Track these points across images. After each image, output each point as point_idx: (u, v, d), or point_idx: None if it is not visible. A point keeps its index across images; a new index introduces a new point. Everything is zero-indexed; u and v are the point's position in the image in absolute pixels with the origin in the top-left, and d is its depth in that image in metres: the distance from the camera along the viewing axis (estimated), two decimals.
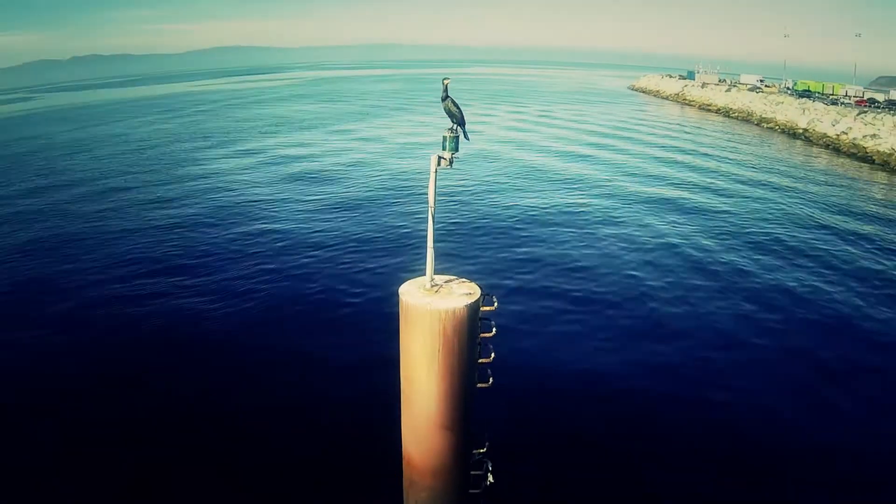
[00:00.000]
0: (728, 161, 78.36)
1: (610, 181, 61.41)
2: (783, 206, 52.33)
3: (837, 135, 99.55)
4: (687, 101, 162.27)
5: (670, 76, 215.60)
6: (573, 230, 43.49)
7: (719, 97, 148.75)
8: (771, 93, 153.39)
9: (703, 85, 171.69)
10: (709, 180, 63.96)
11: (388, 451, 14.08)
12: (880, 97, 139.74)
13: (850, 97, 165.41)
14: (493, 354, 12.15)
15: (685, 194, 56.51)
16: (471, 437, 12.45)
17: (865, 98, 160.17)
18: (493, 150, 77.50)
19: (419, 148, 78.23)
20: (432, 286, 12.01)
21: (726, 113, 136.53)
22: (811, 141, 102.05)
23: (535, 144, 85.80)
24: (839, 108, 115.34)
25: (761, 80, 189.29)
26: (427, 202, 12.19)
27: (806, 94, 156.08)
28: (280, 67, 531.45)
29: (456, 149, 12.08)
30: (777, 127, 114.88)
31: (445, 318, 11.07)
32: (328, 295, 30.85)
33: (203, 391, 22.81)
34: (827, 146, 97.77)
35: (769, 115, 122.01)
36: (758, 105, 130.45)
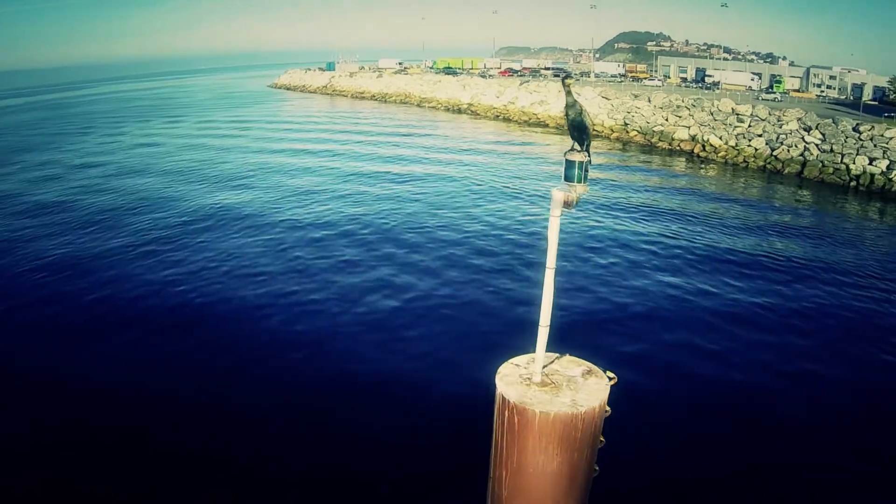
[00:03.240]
0: (397, 144, 74.94)
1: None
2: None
3: (505, 105, 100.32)
4: (337, 92, 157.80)
5: (310, 69, 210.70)
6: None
7: (372, 84, 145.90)
8: (415, 73, 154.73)
9: (352, 74, 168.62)
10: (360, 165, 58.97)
11: None
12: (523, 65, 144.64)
13: (487, 68, 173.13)
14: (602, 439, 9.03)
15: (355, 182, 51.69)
16: None
17: (505, 69, 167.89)
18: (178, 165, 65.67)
19: None
20: (544, 376, 8.98)
21: (382, 98, 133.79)
22: (478, 114, 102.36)
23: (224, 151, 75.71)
24: (501, 80, 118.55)
25: (400, 63, 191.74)
26: (545, 256, 8.58)
27: (450, 71, 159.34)
28: None
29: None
30: (440, 105, 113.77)
31: (568, 425, 8.36)
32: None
33: None
34: (496, 117, 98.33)
35: (429, 95, 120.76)
36: (415, 87, 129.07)
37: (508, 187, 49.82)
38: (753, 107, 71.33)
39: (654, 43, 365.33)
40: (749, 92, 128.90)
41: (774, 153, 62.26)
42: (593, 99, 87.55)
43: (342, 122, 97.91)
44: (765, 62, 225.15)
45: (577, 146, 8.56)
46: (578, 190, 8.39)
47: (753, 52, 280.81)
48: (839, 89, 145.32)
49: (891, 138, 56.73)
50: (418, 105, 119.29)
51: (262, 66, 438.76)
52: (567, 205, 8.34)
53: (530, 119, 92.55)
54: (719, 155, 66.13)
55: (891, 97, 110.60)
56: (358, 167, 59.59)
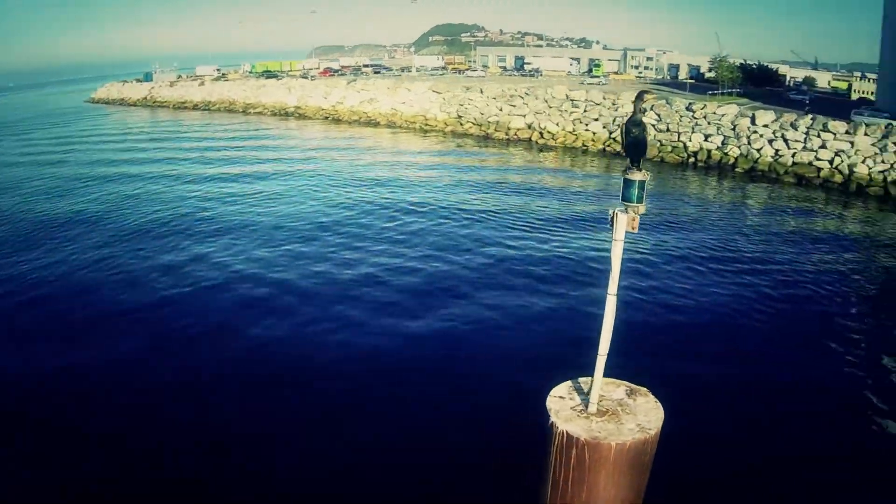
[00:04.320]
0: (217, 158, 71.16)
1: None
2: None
3: (333, 106, 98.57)
4: (159, 103, 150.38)
5: (127, 82, 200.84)
6: None
7: (195, 93, 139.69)
8: (236, 79, 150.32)
9: (172, 83, 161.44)
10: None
11: None
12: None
13: (307, 69, 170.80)
14: None
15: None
16: None
17: (325, 69, 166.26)
18: None
19: None
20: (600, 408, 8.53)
21: (207, 107, 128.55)
22: (306, 117, 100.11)
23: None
24: (327, 80, 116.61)
25: (218, 69, 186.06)
26: (608, 283, 8.10)
27: (270, 75, 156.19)
28: None
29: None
30: (266, 111, 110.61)
31: (640, 451, 8.05)
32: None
33: None
34: (326, 118, 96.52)
35: (254, 101, 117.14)
36: (239, 93, 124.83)
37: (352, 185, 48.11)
38: (588, 91, 72.33)
39: (468, 34, 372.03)
40: (569, 77, 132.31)
41: (612, 136, 63.25)
42: (424, 93, 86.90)
43: (166, 135, 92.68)
44: (579, 47, 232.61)
45: (634, 164, 8.12)
46: (640, 210, 7.99)
47: (567, 38, 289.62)
48: (656, 70, 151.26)
49: (723, 115, 58.96)
50: (244, 112, 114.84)
51: (71, 82, 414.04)
52: (632, 227, 8.00)
53: (361, 118, 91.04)
54: (558, 141, 66.69)
55: (706, 75, 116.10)
56: (195, 174, 56.22)
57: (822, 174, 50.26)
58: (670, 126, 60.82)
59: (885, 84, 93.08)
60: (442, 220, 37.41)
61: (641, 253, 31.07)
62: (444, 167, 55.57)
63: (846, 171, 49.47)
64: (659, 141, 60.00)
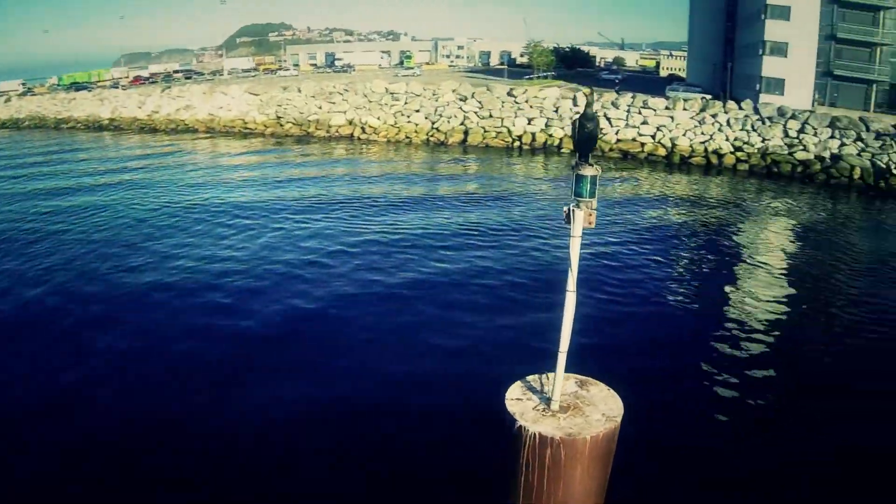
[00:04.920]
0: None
1: None
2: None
3: (149, 115, 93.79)
4: None
5: None
6: None
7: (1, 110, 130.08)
8: (44, 93, 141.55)
9: None
10: None
11: None
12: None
13: (116, 78, 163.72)
14: None
15: None
16: None
17: (135, 77, 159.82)
18: None
19: None
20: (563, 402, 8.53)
21: (14, 125, 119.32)
22: (122, 129, 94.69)
23: None
24: (141, 88, 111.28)
25: (24, 84, 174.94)
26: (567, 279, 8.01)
27: (80, 87, 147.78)
28: None
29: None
30: (79, 124, 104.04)
31: (610, 440, 8.22)
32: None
33: None
34: (142, 129, 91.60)
35: (66, 115, 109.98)
36: (49, 108, 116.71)
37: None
38: (407, 84, 71.16)
39: (276, 34, 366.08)
40: (382, 70, 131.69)
41: (435, 125, 62.45)
42: (242, 96, 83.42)
43: None
44: (388, 40, 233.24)
45: (584, 159, 8.08)
46: (593, 205, 7.95)
47: (376, 32, 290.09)
48: (467, 58, 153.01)
49: (545, 98, 59.25)
50: (55, 128, 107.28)
51: None
52: (590, 223, 7.97)
53: (178, 126, 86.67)
54: (380, 135, 65.02)
55: (517, 61, 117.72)
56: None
57: (646, 148, 51.38)
58: (493, 112, 60.52)
59: (695, 60, 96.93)
60: (269, 216, 36.30)
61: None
62: (266, 167, 54.08)
63: (669, 145, 50.79)
64: (483, 128, 59.60)
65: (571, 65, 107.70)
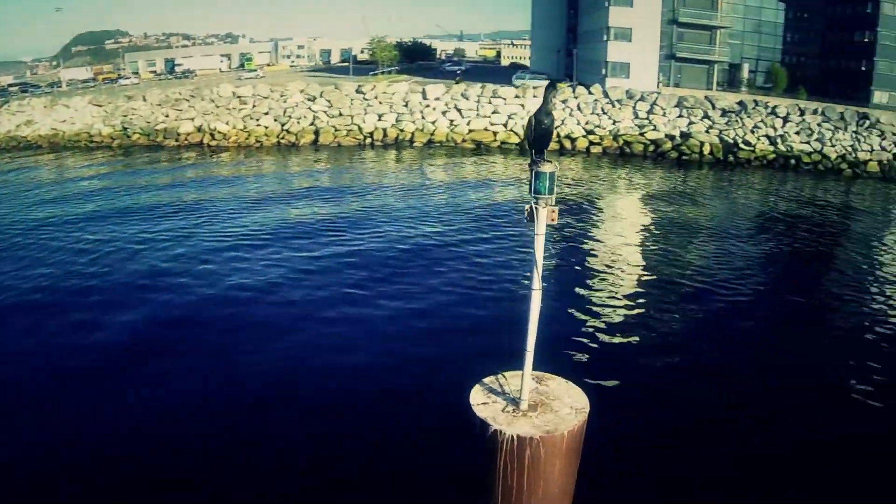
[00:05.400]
0: None
1: None
2: None
3: None
4: None
5: None
6: None
7: None
8: None
9: None
10: None
11: None
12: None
13: None
14: None
15: None
16: None
17: None
18: None
19: None
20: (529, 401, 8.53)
21: None
22: None
23: None
24: None
25: None
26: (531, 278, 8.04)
27: None
28: None
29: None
30: None
31: (581, 432, 8.32)
32: None
33: None
34: None
35: None
36: None
37: None
38: (254, 87, 69.50)
39: (112, 41, 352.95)
40: (223, 74, 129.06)
41: (285, 127, 61.38)
42: (85, 108, 79.26)
43: None
44: (226, 43, 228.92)
45: (540, 156, 8.01)
46: (552, 201, 7.78)
47: (213, 35, 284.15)
48: (308, 57, 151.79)
49: (394, 93, 59.30)
50: None
51: None
52: (553, 219, 7.88)
53: (20, 143, 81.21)
54: (231, 140, 63.24)
55: (358, 57, 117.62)
56: None
57: (499, 137, 51.67)
58: (342, 111, 60.06)
59: (538, 48, 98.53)
60: (120, 228, 34.77)
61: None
62: (113, 177, 52.32)
63: (521, 132, 51.01)
64: (334, 126, 59.13)
65: (413, 58, 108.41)
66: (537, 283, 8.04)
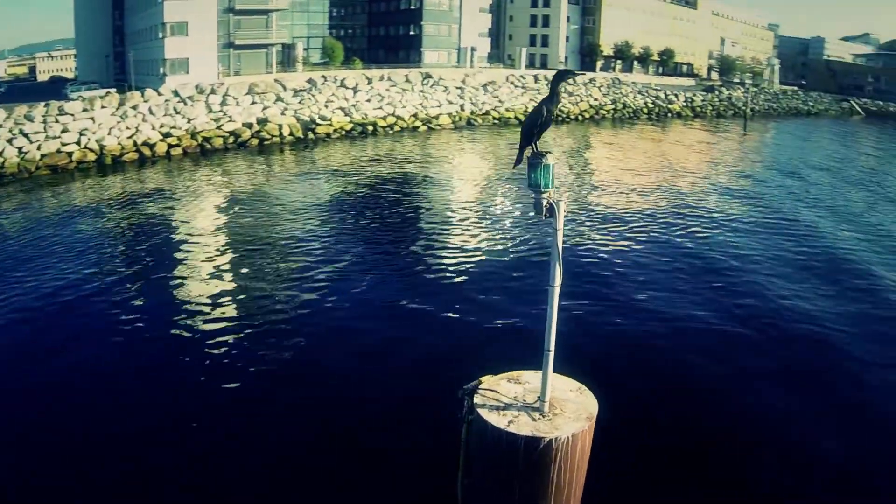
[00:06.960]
0: None
1: None
2: None
3: None
4: None
5: None
6: None
7: None
8: None
9: None
10: None
11: None
12: None
13: None
14: None
15: None
16: None
17: None
18: None
19: None
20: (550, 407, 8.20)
21: None
22: None
23: None
24: None
25: None
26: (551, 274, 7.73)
27: None
28: None
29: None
30: None
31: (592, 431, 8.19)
32: None
33: None
34: None
35: None
36: None
37: None
38: None
39: None
40: None
41: None
42: None
43: None
44: None
45: (535, 147, 7.88)
46: (551, 195, 7.65)
47: None
48: None
49: None
50: None
51: None
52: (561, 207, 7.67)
53: None
54: None
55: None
56: None
57: (74, 157, 47.98)
58: None
59: (85, 55, 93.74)
60: None
61: None
62: None
63: (97, 148, 48.55)
64: None
65: None
66: (557, 280, 7.85)
